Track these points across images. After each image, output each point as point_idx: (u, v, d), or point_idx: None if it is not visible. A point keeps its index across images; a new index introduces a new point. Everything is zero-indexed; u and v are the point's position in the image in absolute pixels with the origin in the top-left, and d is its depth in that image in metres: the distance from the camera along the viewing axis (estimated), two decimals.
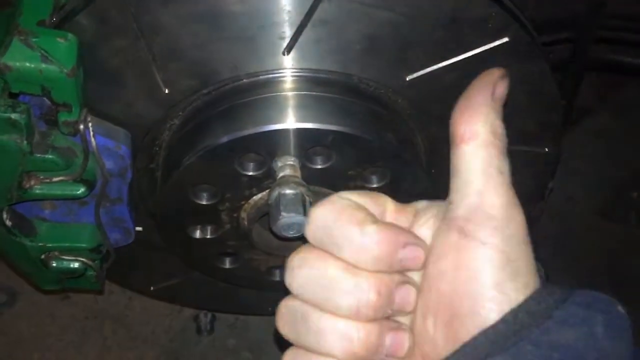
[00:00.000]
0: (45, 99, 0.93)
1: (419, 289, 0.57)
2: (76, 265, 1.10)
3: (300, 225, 0.96)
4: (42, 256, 1.09)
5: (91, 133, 0.96)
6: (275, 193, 0.96)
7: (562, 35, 1.29)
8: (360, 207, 0.56)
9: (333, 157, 1.00)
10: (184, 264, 1.25)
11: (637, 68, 1.41)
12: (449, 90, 1.02)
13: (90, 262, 1.11)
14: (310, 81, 0.99)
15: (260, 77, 0.99)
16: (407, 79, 1.00)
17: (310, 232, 0.57)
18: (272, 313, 1.65)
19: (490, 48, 0.97)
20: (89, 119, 0.95)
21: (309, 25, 0.94)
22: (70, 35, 0.90)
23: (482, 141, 0.53)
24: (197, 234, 1.13)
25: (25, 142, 0.91)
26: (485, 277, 0.51)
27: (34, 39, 0.88)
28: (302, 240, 1.01)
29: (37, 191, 1.00)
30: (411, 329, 0.57)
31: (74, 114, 0.93)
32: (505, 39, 0.97)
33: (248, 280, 1.25)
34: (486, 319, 0.51)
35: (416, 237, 0.57)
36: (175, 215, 1.11)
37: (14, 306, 1.62)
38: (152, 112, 1.03)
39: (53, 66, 0.88)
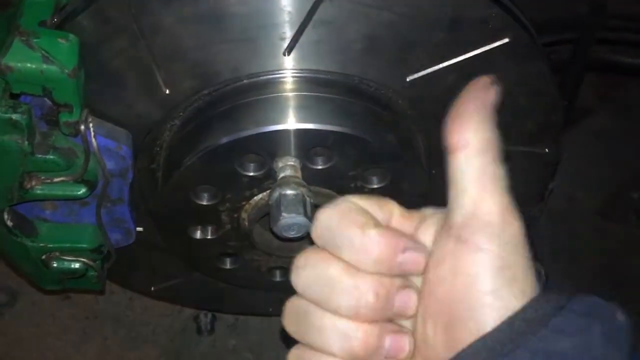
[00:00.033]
0: (46, 99, 0.93)
1: (421, 294, 0.57)
2: (77, 265, 1.10)
3: (301, 226, 0.96)
4: (43, 256, 1.09)
5: (92, 134, 0.96)
6: (275, 193, 0.96)
7: (563, 36, 1.29)
8: (364, 211, 0.57)
9: (334, 158, 1.00)
10: (185, 264, 1.25)
11: (637, 68, 1.41)
12: (450, 91, 1.02)
13: (91, 263, 1.11)
14: (310, 82, 0.99)
15: (261, 77, 0.99)
16: (408, 80, 1.00)
17: (315, 234, 0.59)
18: (273, 313, 1.65)
19: (491, 49, 0.97)
20: (90, 119, 0.95)
21: (310, 25, 0.94)
22: (71, 36, 0.90)
23: (475, 149, 0.54)
24: (198, 235, 1.13)
25: (26, 142, 0.92)
26: (482, 283, 0.52)
27: (35, 40, 0.88)
28: (302, 240, 1.02)
29: (38, 192, 1.00)
30: (413, 333, 0.58)
31: (75, 114, 0.93)
32: (506, 40, 0.97)
33: (248, 281, 1.25)
34: (484, 325, 0.51)
35: (416, 242, 0.57)
36: (176, 216, 1.11)
37: (15, 306, 1.62)
38: (153, 113, 1.03)
39: (54, 67, 0.88)
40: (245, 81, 0.99)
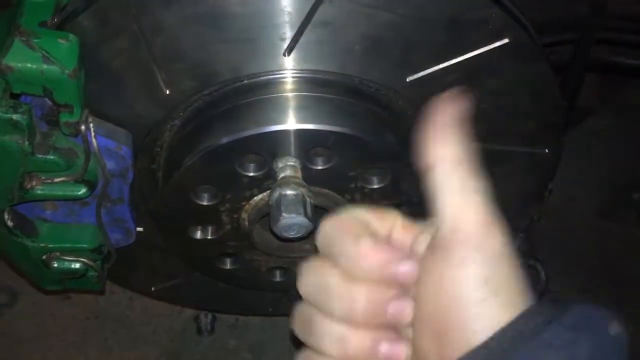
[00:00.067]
0: (46, 99, 0.93)
1: (415, 303, 0.58)
2: (77, 265, 1.10)
3: (301, 226, 0.96)
4: (44, 257, 1.09)
5: (92, 134, 0.96)
6: (276, 194, 0.96)
7: (563, 36, 1.29)
8: (362, 222, 0.60)
9: (334, 158, 1.00)
10: (185, 264, 1.25)
11: (637, 69, 1.41)
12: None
13: (91, 263, 1.11)
14: (310, 82, 0.99)
15: (261, 78, 0.99)
16: (408, 80, 1.00)
17: (318, 242, 0.62)
18: (273, 313, 1.65)
19: (491, 49, 0.98)
20: (90, 119, 0.95)
21: (310, 26, 0.94)
22: (71, 36, 0.90)
23: (450, 164, 0.56)
24: (198, 235, 1.13)
25: (26, 142, 0.92)
26: (467, 295, 0.53)
27: (35, 40, 0.88)
28: (302, 240, 1.02)
29: (39, 192, 1.00)
30: (411, 342, 0.59)
31: (75, 114, 0.93)
32: (506, 40, 0.97)
33: (248, 281, 1.25)
34: (473, 336, 0.52)
35: (409, 254, 0.59)
36: (176, 216, 1.11)
37: (15, 306, 1.62)
38: (153, 113, 1.03)
39: (54, 67, 0.88)
40: (245, 81, 0.99)
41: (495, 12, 0.95)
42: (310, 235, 0.99)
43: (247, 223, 1.09)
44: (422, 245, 0.59)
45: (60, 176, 0.99)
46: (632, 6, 1.33)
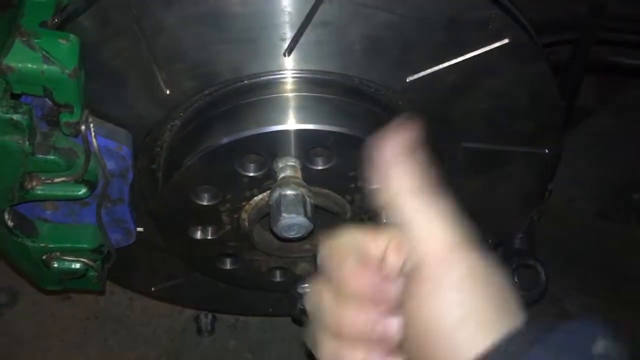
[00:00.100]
0: (47, 99, 0.93)
1: (405, 322, 0.60)
2: (77, 265, 1.11)
3: (301, 226, 0.96)
4: (44, 257, 1.09)
5: (92, 134, 0.96)
6: (276, 194, 0.96)
7: (562, 37, 1.29)
8: (354, 245, 0.62)
9: (333, 158, 1.00)
10: (185, 264, 1.25)
11: (637, 69, 1.41)
12: (450, 92, 1.03)
13: (91, 263, 1.11)
14: (310, 82, 1.00)
15: (261, 78, 0.99)
16: (408, 80, 1.00)
17: (318, 262, 0.65)
18: (273, 314, 1.65)
19: (491, 49, 0.98)
20: (90, 119, 0.95)
21: (310, 26, 0.94)
22: (72, 37, 0.90)
23: (409, 194, 0.58)
24: (198, 235, 1.13)
25: (27, 142, 0.92)
26: (443, 317, 0.55)
27: (36, 40, 0.88)
28: (302, 240, 1.02)
29: (39, 192, 1.00)
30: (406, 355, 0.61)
31: (76, 114, 0.94)
32: (506, 41, 0.97)
33: (249, 281, 1.25)
34: (454, 354, 0.54)
35: (398, 274, 0.60)
36: (176, 216, 1.11)
37: (15, 306, 1.63)
38: (154, 113, 1.03)
39: (55, 67, 0.88)
40: (245, 82, 0.99)
41: (495, 13, 0.95)
42: (310, 235, 0.99)
43: (247, 223, 1.09)
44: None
45: (61, 176, 0.99)
46: (632, 6, 1.34)
